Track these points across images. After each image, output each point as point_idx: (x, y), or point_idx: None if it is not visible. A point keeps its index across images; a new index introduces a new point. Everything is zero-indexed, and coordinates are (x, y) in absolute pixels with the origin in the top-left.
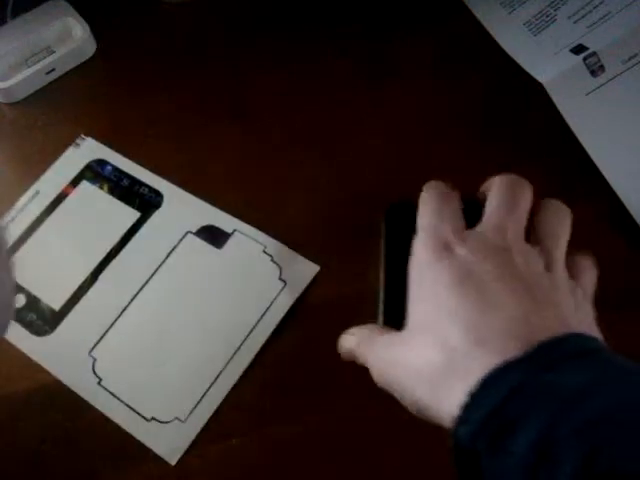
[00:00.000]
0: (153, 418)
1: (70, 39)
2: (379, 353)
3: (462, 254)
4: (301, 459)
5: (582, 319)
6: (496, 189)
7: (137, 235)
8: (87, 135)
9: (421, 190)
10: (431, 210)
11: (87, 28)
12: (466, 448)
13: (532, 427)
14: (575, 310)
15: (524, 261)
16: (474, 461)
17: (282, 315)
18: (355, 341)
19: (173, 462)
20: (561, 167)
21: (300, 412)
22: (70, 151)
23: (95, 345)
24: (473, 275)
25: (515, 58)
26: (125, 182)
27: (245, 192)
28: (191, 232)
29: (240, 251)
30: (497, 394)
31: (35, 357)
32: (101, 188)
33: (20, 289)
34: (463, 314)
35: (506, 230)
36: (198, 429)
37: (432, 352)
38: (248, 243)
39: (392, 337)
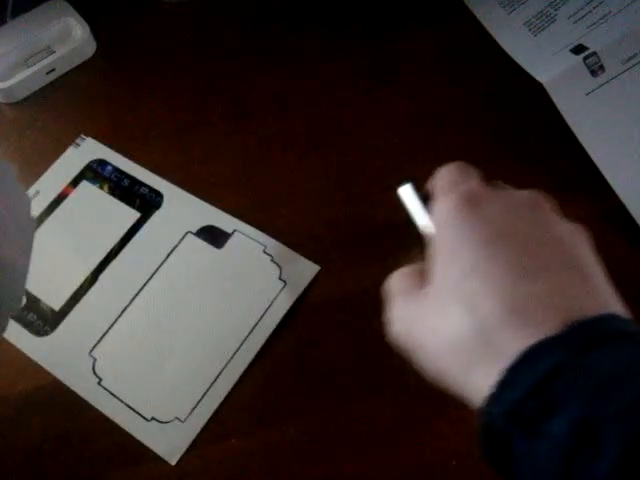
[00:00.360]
0: (153, 418)
1: (70, 39)
2: (405, 310)
3: (492, 212)
4: (301, 459)
5: (613, 294)
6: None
7: (137, 235)
8: (87, 135)
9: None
10: (452, 171)
11: (87, 28)
12: (496, 429)
13: (572, 409)
14: (607, 284)
15: (559, 224)
16: (503, 442)
17: (282, 315)
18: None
19: (173, 462)
20: (561, 167)
21: (300, 412)
22: (70, 151)
23: (95, 345)
24: (505, 236)
25: (515, 58)
26: (125, 182)
27: (245, 192)
28: (191, 232)
29: (240, 251)
30: (537, 373)
31: (35, 357)
32: (101, 188)
33: None
34: (497, 280)
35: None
36: (198, 429)
37: (463, 321)
38: (248, 243)
39: (421, 295)
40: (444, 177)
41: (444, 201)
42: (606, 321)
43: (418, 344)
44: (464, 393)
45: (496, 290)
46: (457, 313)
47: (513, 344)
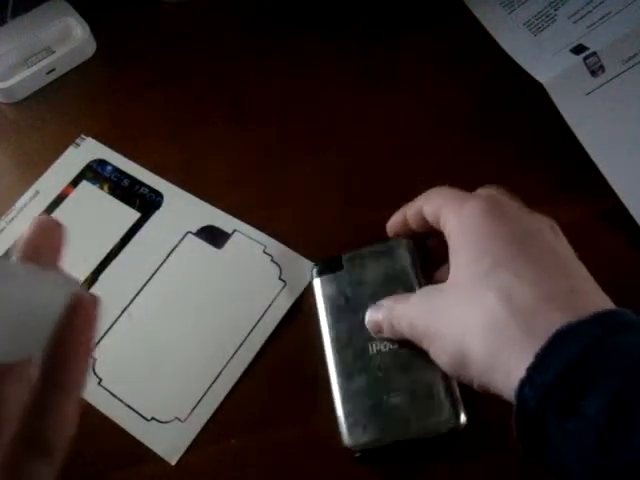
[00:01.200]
0: (153, 418)
1: (70, 39)
2: (420, 304)
3: (515, 214)
4: (301, 459)
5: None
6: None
7: (137, 235)
8: (87, 135)
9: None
10: (448, 189)
11: (87, 28)
12: (529, 411)
13: (606, 388)
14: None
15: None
16: (536, 424)
17: (282, 315)
18: (387, 305)
19: (173, 462)
20: (561, 167)
21: (300, 412)
22: (70, 151)
23: (95, 345)
24: (529, 236)
25: (515, 58)
26: (125, 182)
27: (245, 192)
28: (191, 232)
29: (240, 251)
30: (569, 354)
31: None
32: (101, 188)
33: None
34: (530, 270)
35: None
36: (198, 429)
37: (496, 306)
38: (248, 243)
39: (439, 288)
40: (443, 193)
41: (471, 202)
42: (626, 312)
43: (439, 334)
44: (488, 379)
45: (528, 281)
46: (490, 300)
47: (546, 327)
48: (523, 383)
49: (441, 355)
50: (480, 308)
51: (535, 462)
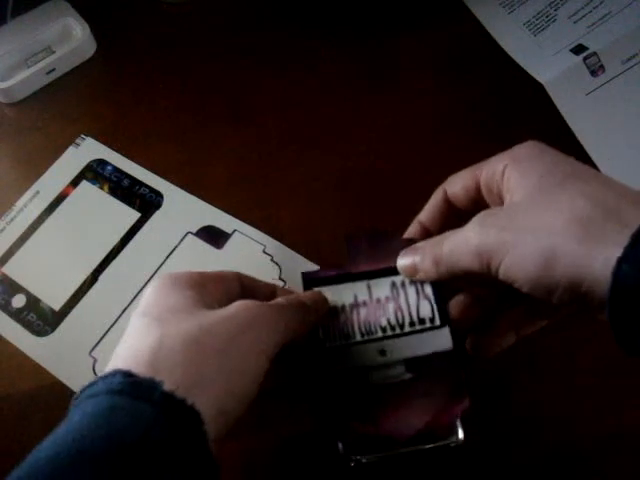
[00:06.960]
0: None
1: (70, 39)
2: (485, 225)
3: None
4: (301, 460)
5: None
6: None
7: (137, 235)
8: (87, 135)
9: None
10: None
11: (87, 28)
12: (628, 290)
13: None
14: None
15: None
16: (635, 305)
17: None
18: (430, 243)
19: None
20: None
21: (300, 413)
22: (70, 151)
23: (95, 345)
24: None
25: (515, 58)
26: (125, 182)
27: (245, 192)
28: (191, 232)
29: (240, 251)
30: None
31: (35, 357)
32: (101, 188)
33: (20, 289)
34: (598, 177)
35: None
36: None
37: (580, 204)
38: (248, 243)
39: (500, 209)
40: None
41: (521, 144)
42: None
43: (517, 242)
44: (579, 271)
45: (602, 187)
46: (573, 200)
47: (636, 217)
48: (620, 261)
49: (521, 262)
50: (563, 208)
51: (629, 352)
